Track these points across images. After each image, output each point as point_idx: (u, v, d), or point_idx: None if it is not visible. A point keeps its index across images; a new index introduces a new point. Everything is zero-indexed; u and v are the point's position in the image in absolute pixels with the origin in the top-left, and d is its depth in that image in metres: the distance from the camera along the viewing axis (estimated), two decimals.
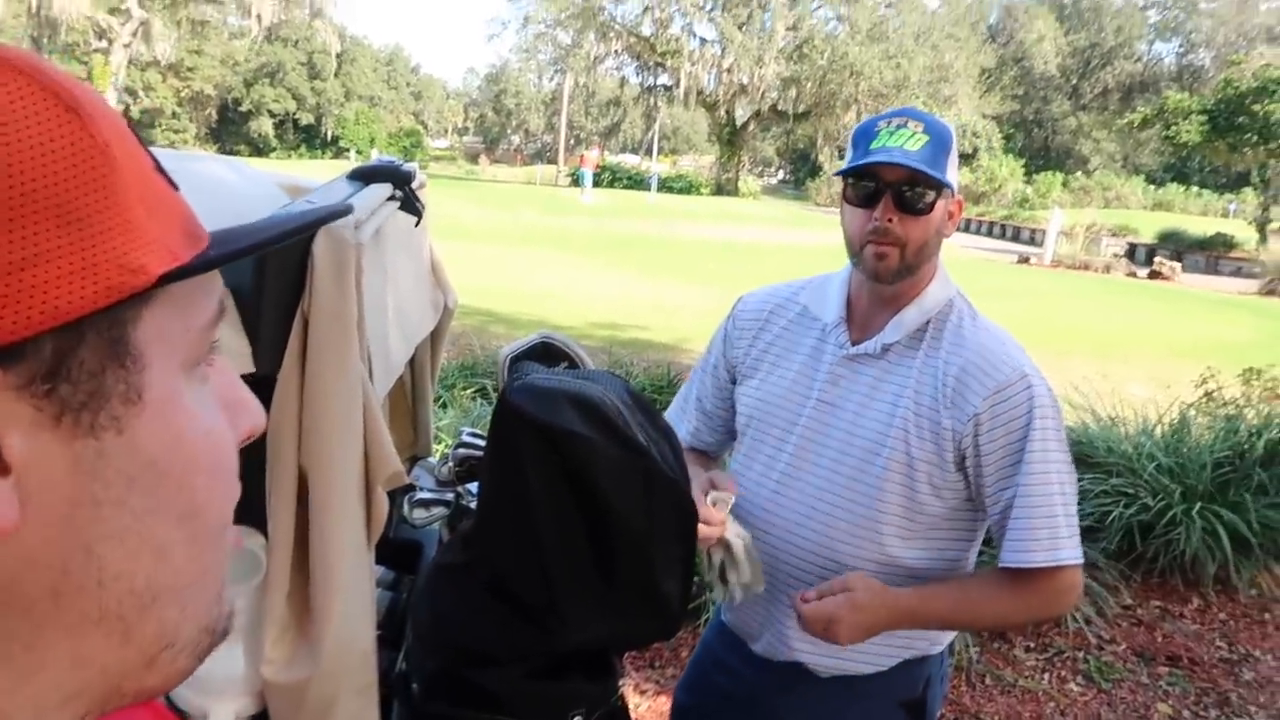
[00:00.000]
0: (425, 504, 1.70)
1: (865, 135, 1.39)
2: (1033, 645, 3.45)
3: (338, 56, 50.25)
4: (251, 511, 1.04)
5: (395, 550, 1.80)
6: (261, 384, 1.00)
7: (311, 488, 1.02)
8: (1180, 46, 53.71)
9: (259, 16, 36.28)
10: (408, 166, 1.48)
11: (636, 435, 1.23)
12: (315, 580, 1.04)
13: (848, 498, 1.42)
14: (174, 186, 0.38)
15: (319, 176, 1.71)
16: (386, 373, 1.35)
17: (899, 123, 1.37)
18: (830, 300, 1.50)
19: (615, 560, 1.23)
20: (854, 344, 1.46)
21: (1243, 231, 24.92)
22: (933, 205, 1.37)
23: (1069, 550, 1.36)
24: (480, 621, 1.26)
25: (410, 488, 1.77)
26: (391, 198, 1.41)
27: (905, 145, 1.34)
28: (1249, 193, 31.50)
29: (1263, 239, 22.25)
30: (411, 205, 1.47)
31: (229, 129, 53.13)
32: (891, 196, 1.36)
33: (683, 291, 12.20)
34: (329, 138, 55.45)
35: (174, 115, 48.17)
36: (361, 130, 53.81)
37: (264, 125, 53.28)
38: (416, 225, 1.56)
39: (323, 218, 0.47)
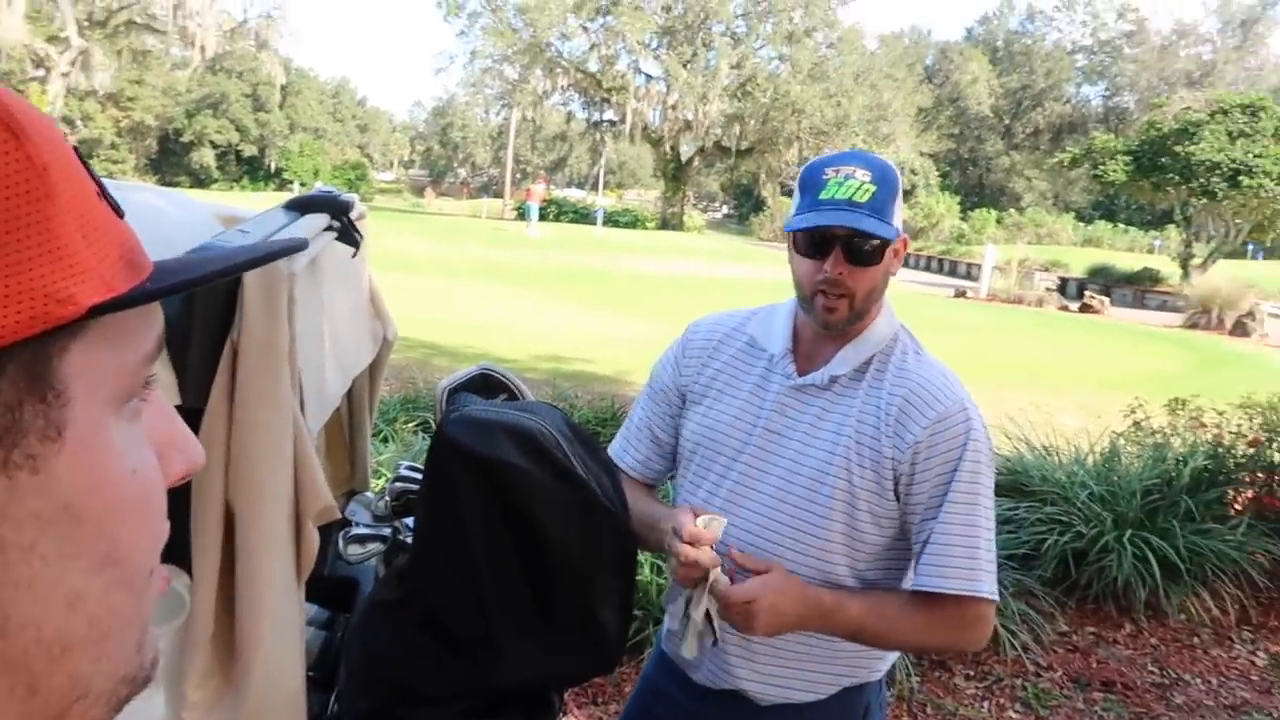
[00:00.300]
0: (361, 540, 1.67)
1: (812, 183, 1.39)
2: (972, 674, 3.49)
3: (283, 88, 49.77)
4: (175, 549, 1.02)
5: (330, 588, 1.76)
6: (188, 417, 0.98)
7: (239, 524, 1.00)
8: (1106, 90, 55.91)
9: (202, 47, 35.77)
10: (345, 196, 1.46)
11: (575, 467, 1.22)
12: (241, 620, 1.01)
13: (793, 527, 1.44)
14: (119, 214, 0.37)
15: (259, 208, 1.69)
16: (321, 405, 1.33)
17: (846, 172, 1.37)
18: (776, 332, 1.51)
19: (553, 594, 1.22)
20: (800, 375, 1.47)
21: (1167, 267, 25.88)
22: (881, 254, 1.39)
23: (987, 584, 1.37)
24: (415, 659, 1.24)
25: (346, 523, 1.73)
26: (329, 228, 1.39)
27: (853, 197, 1.34)
28: (1172, 230, 32.76)
29: (1185, 274, 23.11)
30: (349, 235, 1.46)
31: (170, 160, 52.20)
32: (841, 249, 1.37)
33: (628, 324, 12.23)
34: (272, 170, 54.80)
35: (113, 146, 47.19)
36: (306, 162, 53.26)
37: (206, 156, 52.47)
38: (354, 256, 1.54)
39: (275, 253, 0.46)
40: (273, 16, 39.48)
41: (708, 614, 1.37)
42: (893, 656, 1.59)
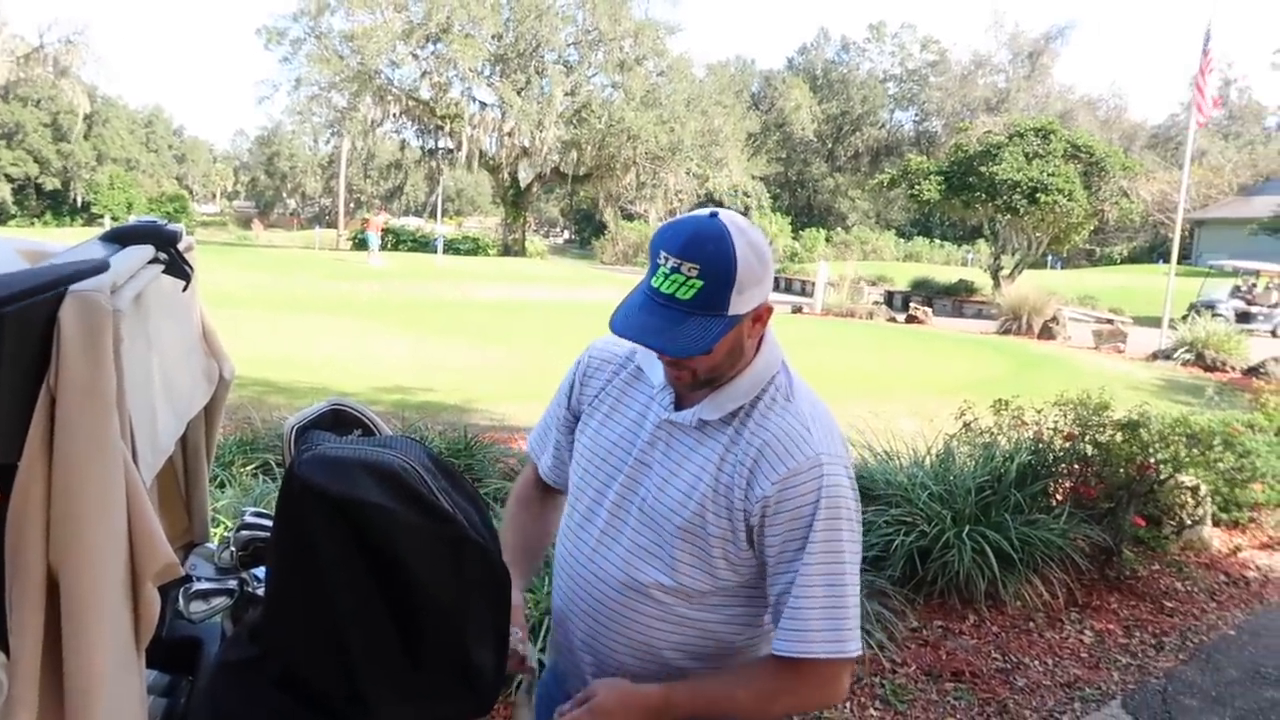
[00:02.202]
0: (204, 595, 1.54)
1: (653, 258, 1.34)
2: None
3: (87, 117, 46.51)
4: None
5: (169, 650, 1.61)
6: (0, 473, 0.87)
7: (65, 590, 0.89)
8: (916, 115, 59.87)
9: None
10: (172, 226, 1.36)
11: (441, 502, 1.17)
12: (71, 697, 0.90)
13: (646, 560, 1.44)
14: None
15: (69, 243, 1.54)
16: (154, 452, 1.22)
17: (674, 264, 1.29)
18: (659, 364, 1.49)
19: (423, 638, 1.16)
20: (677, 409, 1.47)
21: (980, 278, 27.87)
22: (710, 349, 1.32)
23: (852, 643, 1.35)
24: None
25: (186, 579, 1.60)
26: (154, 260, 1.28)
27: (677, 294, 1.29)
28: (982, 244, 35.32)
29: (996, 284, 24.93)
30: (179, 268, 1.35)
31: None
32: None
33: (474, 353, 12.03)
34: (79, 204, 51.01)
35: None
36: (118, 195, 49.88)
37: (0, 190, 48.25)
38: (185, 290, 1.43)
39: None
40: (73, 42, 36.91)
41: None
42: None
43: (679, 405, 1.47)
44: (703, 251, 1.29)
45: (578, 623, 1.52)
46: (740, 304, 1.32)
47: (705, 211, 1.35)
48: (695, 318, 1.30)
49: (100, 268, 0.95)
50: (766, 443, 1.38)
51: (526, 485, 1.76)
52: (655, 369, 1.51)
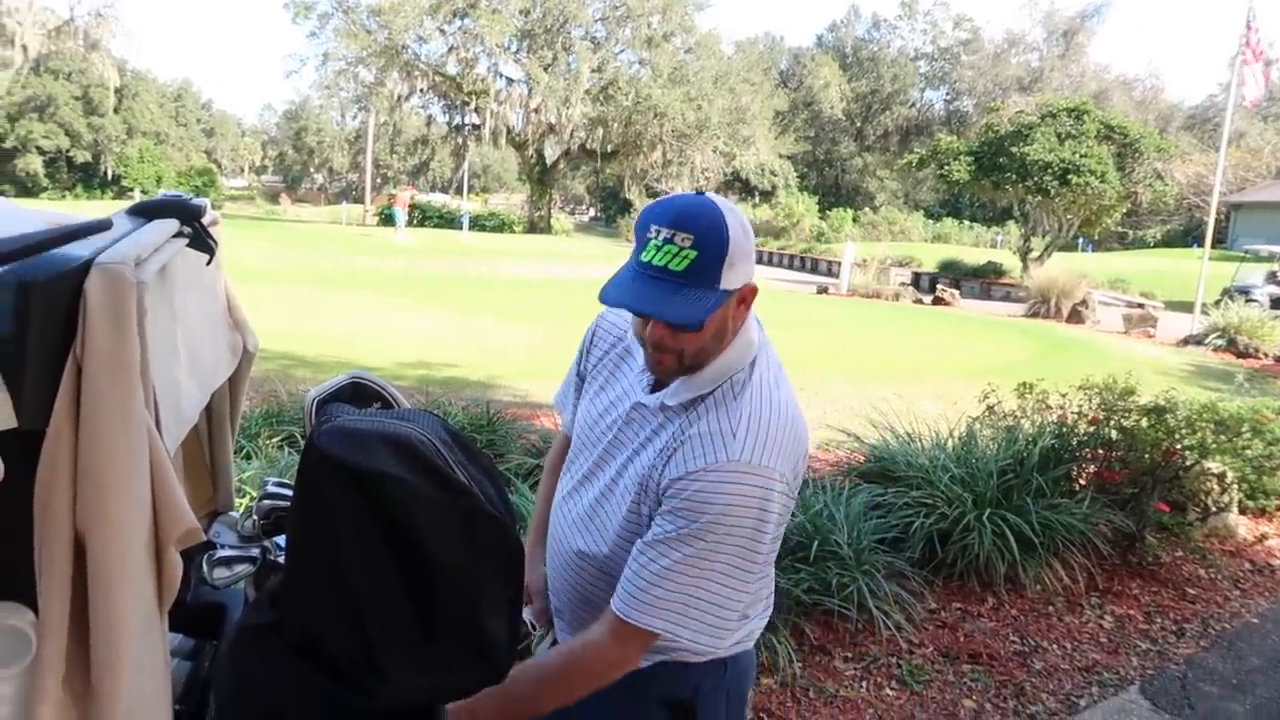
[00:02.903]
0: (227, 562, 1.58)
1: (640, 236, 1.33)
2: (850, 655, 3.61)
3: (118, 91, 46.88)
4: (18, 584, 0.92)
5: (194, 615, 1.65)
6: (27, 440, 0.90)
7: (90, 553, 0.91)
8: (947, 94, 59.09)
9: (24, 47, 33.27)
10: (197, 200, 1.37)
11: (456, 474, 1.18)
12: (97, 658, 0.93)
13: (595, 539, 1.49)
14: None
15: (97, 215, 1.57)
16: (178, 421, 1.24)
17: (667, 235, 1.29)
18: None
19: (436, 608, 1.18)
20: (651, 392, 1.49)
21: (1009, 260, 27.55)
22: (704, 320, 1.30)
23: (650, 618, 1.35)
24: (291, 685, 1.17)
25: (210, 545, 1.63)
26: (179, 233, 1.30)
27: (670, 265, 1.28)
28: (1012, 225, 34.92)
29: (1025, 267, 24.65)
30: (203, 242, 1.37)
31: None
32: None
33: (498, 329, 12.08)
34: (110, 176, 51.54)
35: None
36: (147, 169, 50.34)
37: (33, 163, 48.89)
38: (209, 263, 1.45)
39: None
40: (103, 15, 37.16)
41: None
42: (736, 636, 1.52)
43: (655, 389, 1.48)
44: (696, 223, 1.29)
45: (556, 586, 1.59)
46: (731, 279, 1.31)
47: (690, 192, 1.36)
48: (688, 290, 1.29)
49: (101, 226, 0.97)
50: (690, 436, 1.38)
51: (556, 453, 1.81)
52: (640, 351, 1.51)
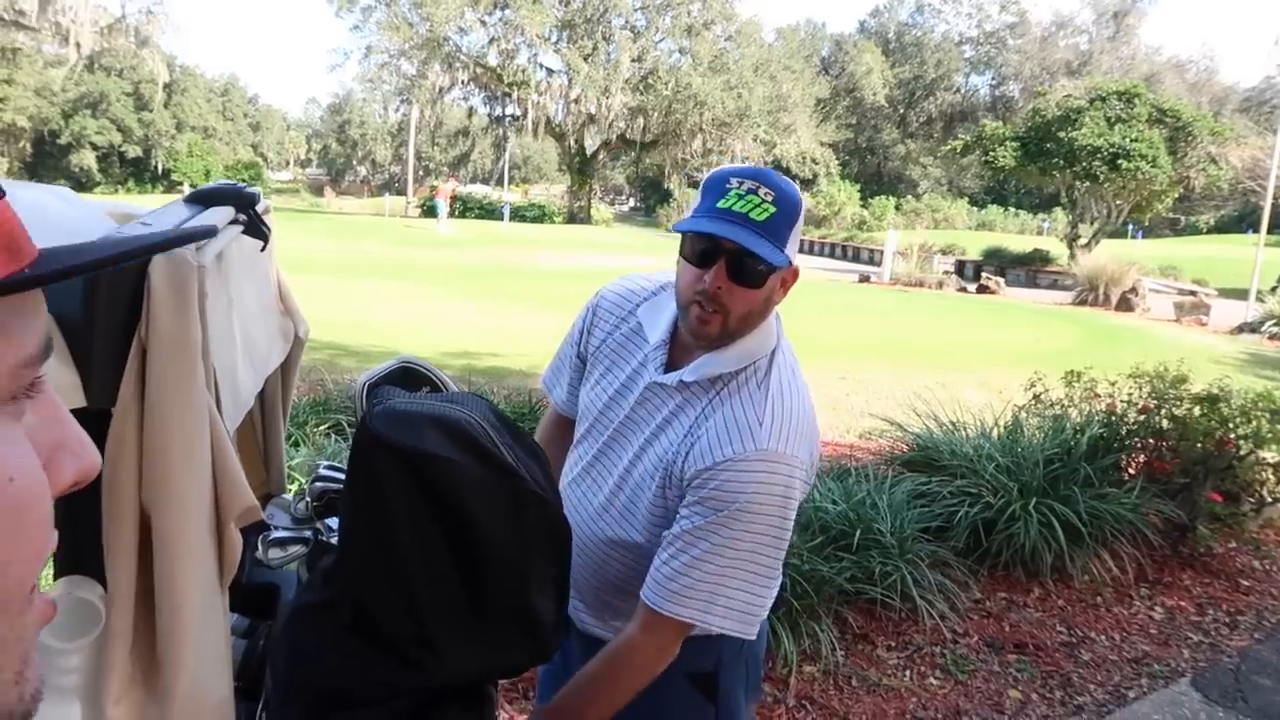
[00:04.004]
0: (281, 543, 1.62)
1: (715, 189, 1.34)
2: (893, 644, 3.59)
3: (166, 86, 47.73)
4: (87, 558, 0.96)
5: (249, 595, 1.70)
6: (95, 418, 0.93)
7: (155, 529, 0.94)
8: (993, 79, 58.07)
9: (78, 44, 33.99)
10: (251, 189, 1.41)
11: (505, 456, 1.20)
12: (162, 629, 0.96)
13: (625, 518, 1.50)
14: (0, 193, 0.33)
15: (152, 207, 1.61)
16: (235, 405, 1.28)
17: (750, 186, 1.32)
18: (660, 322, 1.51)
19: (486, 586, 1.20)
20: (665, 371, 1.48)
21: (1056, 247, 27.03)
22: (765, 279, 1.34)
23: (686, 608, 1.35)
24: (345, 661, 1.20)
25: (264, 527, 1.67)
26: (234, 220, 1.34)
27: (751, 213, 1.30)
28: (1059, 212, 34.24)
29: (1072, 254, 24.16)
30: (257, 229, 1.40)
31: (46, 163, 49.57)
32: (727, 263, 1.33)
33: (540, 319, 12.14)
34: (160, 171, 52.55)
35: None
36: (196, 163, 51.24)
37: (86, 158, 49.99)
38: (262, 250, 1.49)
39: (172, 239, 0.43)
40: (153, 12, 37.85)
41: None
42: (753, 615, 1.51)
43: (669, 368, 1.48)
44: (777, 184, 1.33)
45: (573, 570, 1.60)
46: (791, 248, 1.34)
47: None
48: (765, 240, 1.30)
49: (209, 233, 1.00)
50: (716, 424, 1.38)
51: (548, 426, 1.83)
52: (655, 326, 1.51)
